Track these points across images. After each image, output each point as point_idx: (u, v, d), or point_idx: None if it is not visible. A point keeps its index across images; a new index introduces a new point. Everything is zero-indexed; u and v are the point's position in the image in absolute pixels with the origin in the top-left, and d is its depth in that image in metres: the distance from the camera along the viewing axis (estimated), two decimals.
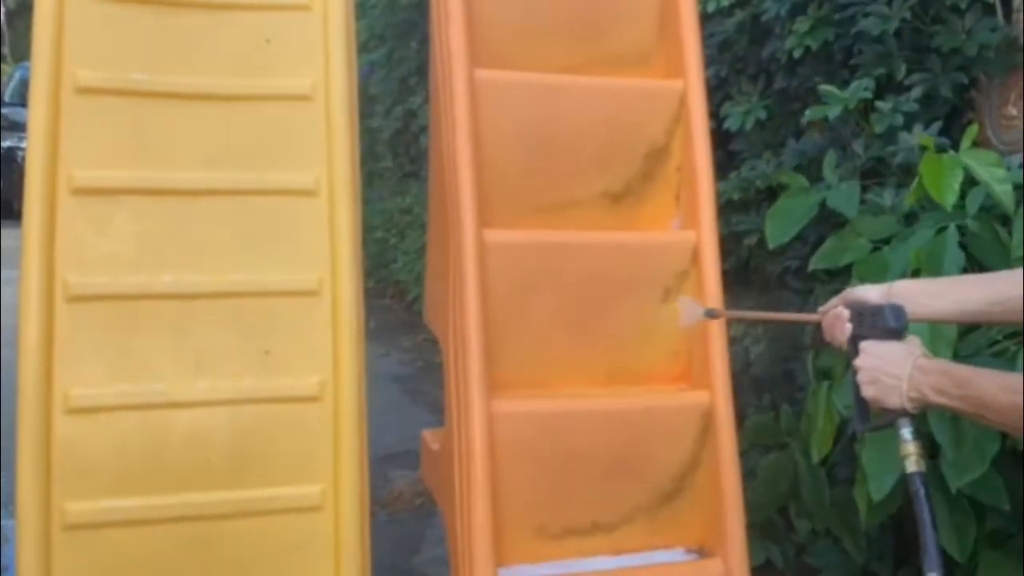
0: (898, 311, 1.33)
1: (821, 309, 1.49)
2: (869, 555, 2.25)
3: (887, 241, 1.97)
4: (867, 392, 1.33)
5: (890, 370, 1.29)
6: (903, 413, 1.30)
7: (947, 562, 1.82)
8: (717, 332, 1.86)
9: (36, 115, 1.65)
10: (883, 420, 1.35)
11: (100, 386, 1.61)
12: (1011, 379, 1.20)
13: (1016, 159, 2.03)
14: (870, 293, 1.41)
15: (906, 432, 1.31)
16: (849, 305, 1.42)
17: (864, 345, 1.35)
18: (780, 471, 2.29)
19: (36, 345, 1.59)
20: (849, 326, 1.40)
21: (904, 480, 1.77)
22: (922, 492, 1.28)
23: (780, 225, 2.11)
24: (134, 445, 1.62)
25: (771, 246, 2.14)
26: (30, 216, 1.62)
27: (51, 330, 1.61)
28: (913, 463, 1.30)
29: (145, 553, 1.61)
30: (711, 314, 1.78)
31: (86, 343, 1.62)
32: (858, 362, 1.35)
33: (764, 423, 2.47)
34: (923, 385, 1.26)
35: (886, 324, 1.33)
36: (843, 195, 2.10)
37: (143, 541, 1.61)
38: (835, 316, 1.43)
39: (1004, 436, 1.77)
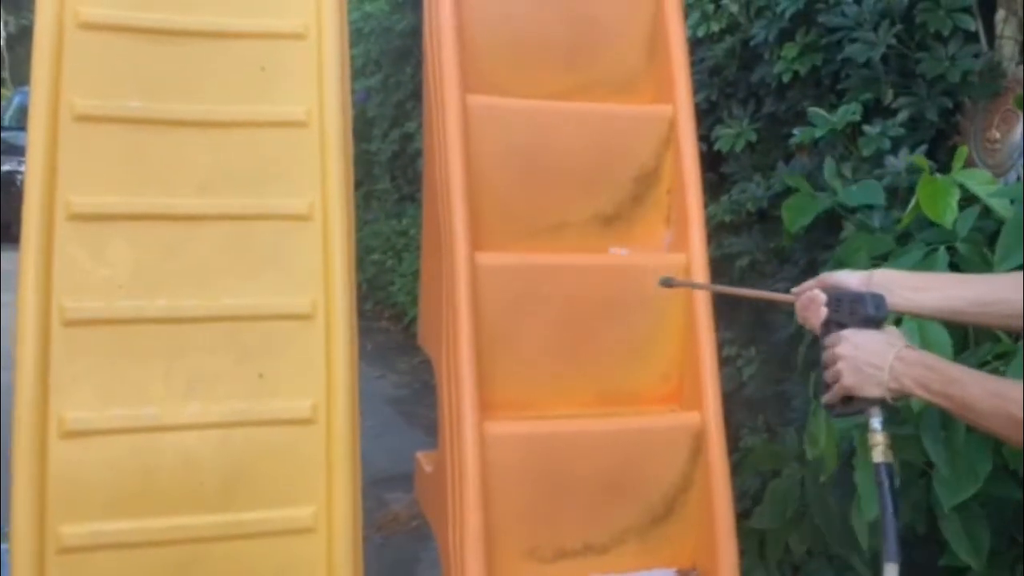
0: (879, 300, 1.31)
1: (795, 290, 1.45)
2: (872, 573, 2.24)
3: (885, 258, 1.99)
4: (847, 380, 1.30)
5: (872, 360, 1.27)
6: (879, 403, 1.28)
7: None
8: (708, 353, 1.88)
9: (34, 142, 1.68)
10: (855, 408, 1.32)
11: (94, 410, 1.63)
12: (998, 383, 1.19)
13: (1003, 181, 2.06)
14: (849, 279, 1.38)
15: (876, 422, 1.29)
16: (826, 289, 1.39)
17: (846, 333, 1.31)
18: (788, 494, 2.28)
19: (32, 369, 1.60)
20: (824, 310, 1.37)
21: (902, 496, 1.79)
22: (886, 484, 1.27)
23: (796, 213, 2.11)
24: (128, 468, 1.63)
25: (790, 230, 2.13)
26: (27, 241, 1.64)
27: (47, 354, 1.62)
28: (880, 453, 1.29)
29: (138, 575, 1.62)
30: (666, 282, 1.73)
31: (81, 367, 1.64)
32: (839, 350, 1.31)
33: (765, 447, 2.47)
34: (904, 377, 1.24)
35: (866, 312, 1.30)
36: (863, 191, 2.10)
37: (136, 564, 1.62)
38: (810, 299, 1.39)
39: (996, 453, 1.78)
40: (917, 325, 1.68)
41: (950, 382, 1.20)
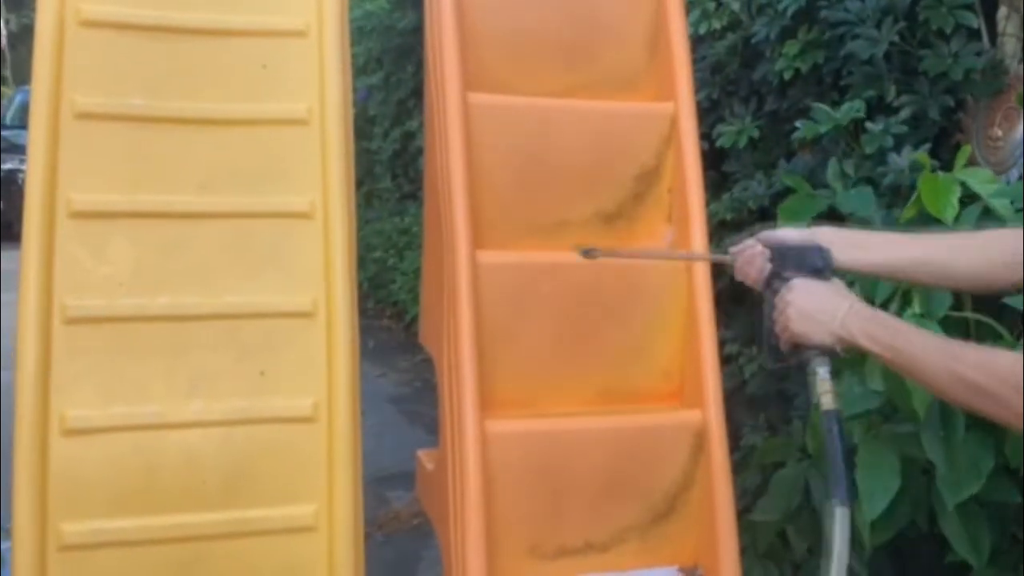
0: (826, 253, 1.33)
1: (733, 249, 1.47)
2: (871, 572, 2.25)
3: None
4: (796, 327, 1.31)
5: (824, 307, 1.28)
6: (825, 351, 1.29)
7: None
8: (709, 351, 1.88)
9: (35, 140, 1.68)
10: (801, 356, 1.33)
11: (96, 408, 1.63)
12: (947, 342, 1.21)
13: (1005, 178, 2.06)
14: (791, 235, 1.40)
15: (823, 371, 1.30)
16: (767, 244, 1.40)
17: (797, 281, 1.33)
18: (788, 489, 2.28)
19: (33, 367, 1.60)
20: (768, 265, 1.38)
21: (904, 497, 1.79)
22: (835, 429, 1.29)
23: (792, 217, 2.11)
24: (129, 466, 1.63)
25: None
26: (29, 239, 1.64)
27: (48, 352, 1.62)
28: (830, 401, 1.30)
29: (140, 574, 1.62)
30: (589, 254, 1.71)
31: (82, 365, 1.64)
32: (789, 297, 1.33)
33: (773, 442, 2.47)
34: (854, 327, 1.26)
35: (812, 264, 1.32)
36: (857, 198, 2.10)
37: (138, 562, 1.62)
38: (752, 254, 1.41)
39: (998, 452, 1.78)
40: (916, 323, 1.69)
41: (898, 337, 1.22)
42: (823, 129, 2.26)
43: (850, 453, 1.28)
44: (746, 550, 2.14)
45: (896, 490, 1.78)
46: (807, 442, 2.15)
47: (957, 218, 1.82)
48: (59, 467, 1.60)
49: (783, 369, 1.44)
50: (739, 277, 1.46)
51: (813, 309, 1.30)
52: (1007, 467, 1.80)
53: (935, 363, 1.18)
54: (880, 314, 1.29)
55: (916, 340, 1.21)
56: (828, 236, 1.38)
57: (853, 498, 1.28)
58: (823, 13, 2.39)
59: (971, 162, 2.11)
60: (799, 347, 1.32)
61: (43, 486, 1.58)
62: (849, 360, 1.89)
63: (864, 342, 1.25)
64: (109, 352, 1.65)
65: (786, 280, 1.34)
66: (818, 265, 1.33)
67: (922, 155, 2.04)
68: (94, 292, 1.67)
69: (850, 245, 1.37)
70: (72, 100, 1.71)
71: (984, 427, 1.78)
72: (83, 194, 1.69)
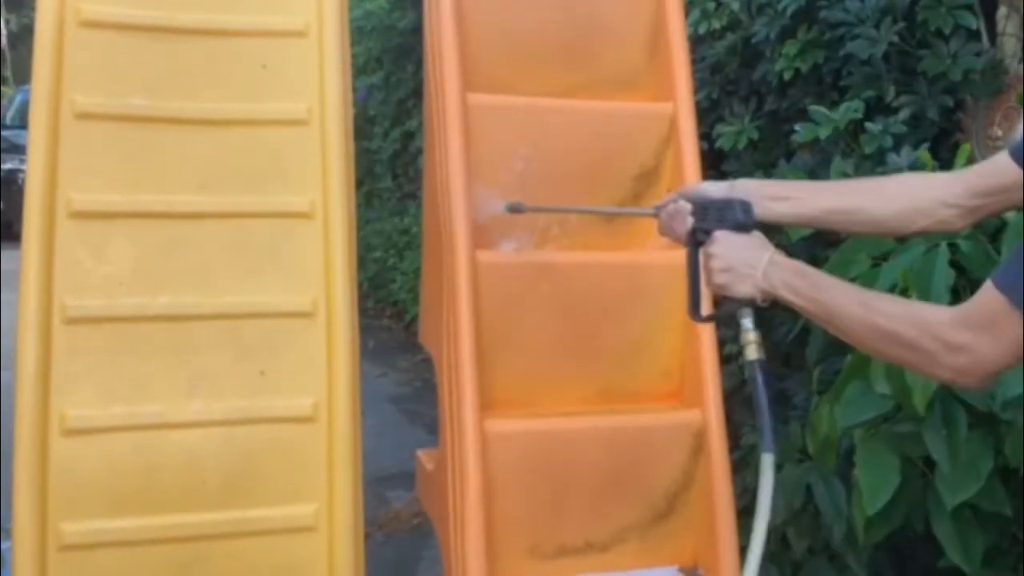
0: (747, 206, 1.35)
1: (657, 204, 1.50)
2: (870, 572, 2.25)
3: (885, 257, 1.99)
4: (718, 279, 1.33)
5: (745, 259, 1.30)
6: (749, 303, 1.31)
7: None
8: (709, 351, 1.88)
9: (35, 140, 1.68)
10: (726, 309, 1.35)
11: (96, 408, 1.63)
12: (865, 294, 1.22)
13: None
14: (712, 189, 1.43)
15: (747, 322, 1.32)
16: (690, 199, 1.43)
17: (718, 234, 1.35)
18: (794, 486, 2.28)
19: (33, 367, 1.60)
20: (691, 219, 1.40)
21: (902, 496, 1.79)
22: (760, 379, 1.31)
23: None
24: (129, 466, 1.63)
25: (792, 238, 2.12)
26: (29, 239, 1.64)
27: (48, 352, 1.63)
28: (753, 351, 1.32)
29: (139, 574, 1.62)
30: (514, 208, 1.73)
31: (82, 365, 1.64)
32: (712, 249, 1.35)
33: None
34: (775, 278, 1.27)
35: (735, 218, 1.34)
36: None
37: (138, 561, 1.62)
38: (676, 209, 1.44)
39: (998, 453, 1.78)
40: None
41: (818, 288, 1.24)
42: (822, 133, 2.27)
43: (773, 401, 1.31)
44: (745, 549, 2.14)
45: (895, 487, 1.79)
46: (806, 442, 2.15)
47: None
48: (59, 467, 1.60)
49: (706, 321, 1.45)
50: (663, 233, 1.49)
51: (735, 261, 1.32)
52: (1004, 469, 1.80)
53: (855, 314, 1.19)
54: (800, 265, 1.30)
55: (837, 291, 1.22)
56: (749, 189, 1.41)
57: (777, 448, 1.30)
58: (822, 13, 2.39)
59: (971, 161, 2.11)
60: (725, 299, 1.35)
61: (43, 486, 1.58)
62: (854, 364, 1.90)
63: (785, 293, 1.27)
64: (109, 352, 1.66)
65: (708, 234, 1.36)
66: (740, 218, 1.35)
67: (923, 153, 2.05)
68: (94, 292, 1.67)
69: (770, 197, 1.39)
70: (72, 100, 1.71)
71: (984, 427, 1.78)
72: (83, 194, 1.69)
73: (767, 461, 1.29)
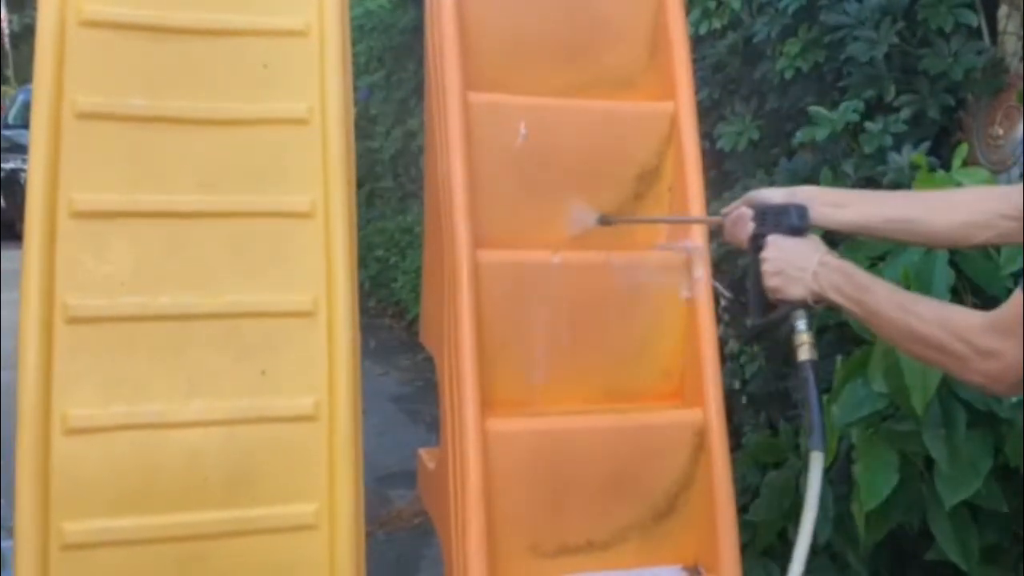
0: (802, 210, 1.38)
1: (724, 211, 1.54)
2: (871, 572, 2.25)
3: (882, 258, 1.99)
4: (771, 282, 1.37)
5: (796, 262, 1.34)
6: (802, 305, 1.34)
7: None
8: (710, 350, 1.88)
9: (37, 140, 1.68)
10: (780, 312, 1.38)
11: (97, 407, 1.63)
12: (905, 297, 1.24)
13: (1005, 177, 2.06)
14: (774, 195, 1.46)
15: (801, 324, 1.36)
16: (752, 205, 1.46)
17: (771, 238, 1.39)
18: (784, 488, 2.29)
19: (35, 367, 1.61)
20: (752, 225, 1.44)
21: (901, 494, 1.80)
22: (811, 378, 1.34)
23: None
24: (131, 465, 1.63)
25: None
26: (30, 239, 1.65)
27: (50, 352, 1.63)
28: (806, 351, 1.35)
29: (141, 572, 1.62)
30: (604, 221, 1.81)
31: (84, 364, 1.64)
32: (765, 254, 1.39)
33: (764, 441, 2.48)
34: (824, 280, 1.31)
35: (790, 222, 1.37)
36: None
37: (139, 561, 1.62)
38: (738, 216, 1.48)
39: (997, 452, 1.78)
40: None
41: (862, 289, 1.27)
42: (820, 135, 2.27)
43: (822, 401, 1.36)
44: (746, 548, 2.14)
45: (894, 485, 1.79)
46: (800, 443, 2.15)
47: None
48: (61, 466, 1.60)
49: (764, 326, 1.51)
50: (727, 239, 1.53)
51: (786, 265, 1.35)
52: (1004, 468, 1.80)
53: (893, 317, 1.22)
54: (848, 267, 1.32)
55: (878, 293, 1.25)
56: (808, 195, 1.44)
57: (826, 445, 1.34)
58: (823, 15, 2.39)
59: (971, 161, 2.11)
60: (780, 302, 1.38)
61: (45, 485, 1.58)
62: (853, 363, 1.90)
63: (833, 295, 1.30)
64: (110, 351, 1.66)
65: (768, 236, 1.40)
66: (794, 223, 1.38)
67: (918, 155, 2.04)
68: (95, 291, 1.67)
69: (829, 203, 1.41)
70: (73, 100, 1.71)
71: (984, 426, 1.78)
72: (84, 194, 1.69)
73: (816, 459, 1.31)
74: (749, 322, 1.52)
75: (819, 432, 1.32)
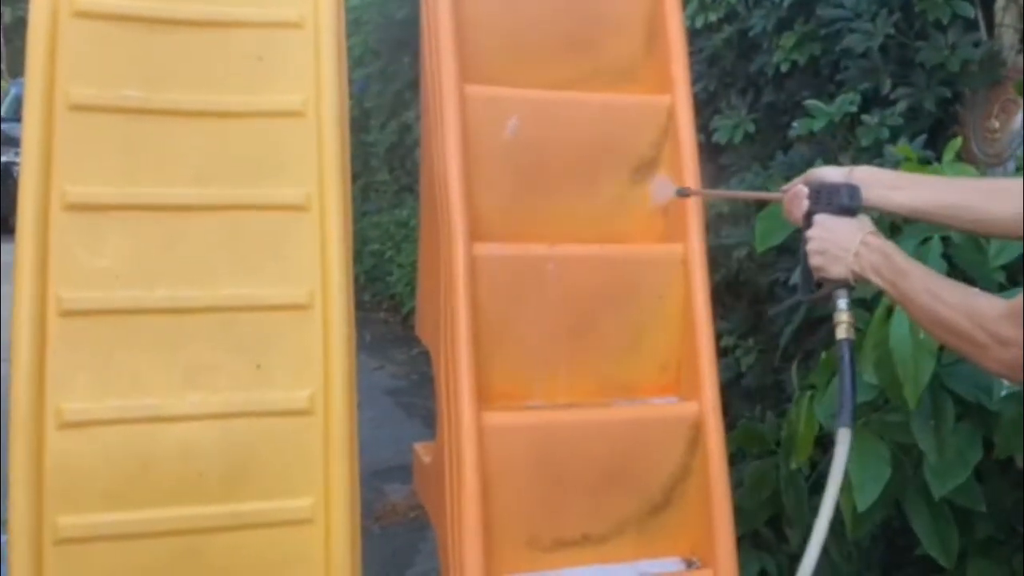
0: (853, 190, 1.39)
1: (783, 188, 1.55)
2: (860, 565, 2.26)
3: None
4: (814, 261, 1.38)
5: (839, 242, 1.35)
6: (844, 284, 1.36)
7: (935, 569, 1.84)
8: (706, 344, 1.88)
9: (30, 132, 1.67)
10: (824, 290, 1.40)
11: (92, 401, 1.62)
12: (938, 284, 1.24)
13: (1001, 170, 2.06)
14: (831, 173, 1.46)
15: (842, 303, 1.37)
16: (809, 183, 1.47)
17: (819, 218, 1.40)
18: (763, 478, 2.30)
19: (29, 360, 1.60)
20: (806, 203, 1.44)
21: (889, 489, 1.80)
22: (847, 358, 1.35)
23: (768, 230, 2.11)
24: (125, 459, 1.62)
25: (759, 250, 2.14)
26: (23, 232, 1.63)
27: (43, 345, 1.62)
28: (844, 331, 1.37)
29: (136, 567, 1.62)
30: (682, 192, 1.87)
31: (78, 358, 1.63)
32: (810, 232, 1.40)
33: (751, 430, 2.48)
34: (865, 261, 1.32)
35: (840, 202, 1.38)
36: None
37: (134, 555, 1.62)
38: (795, 193, 1.48)
39: (987, 445, 1.79)
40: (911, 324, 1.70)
41: (898, 273, 1.27)
42: (816, 127, 2.26)
43: (855, 379, 1.35)
44: (742, 540, 2.15)
45: (887, 479, 1.79)
46: (782, 436, 2.15)
47: None
48: (55, 460, 1.59)
49: (808, 301, 1.56)
50: (786, 216, 1.53)
51: (830, 244, 1.36)
52: (997, 463, 1.81)
53: (922, 302, 1.23)
54: (889, 248, 1.32)
55: (913, 277, 1.26)
56: (864, 175, 1.43)
57: (854, 421, 1.34)
58: (819, 11, 2.39)
59: (968, 154, 2.11)
60: (824, 281, 1.40)
61: (39, 480, 1.58)
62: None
63: (872, 276, 1.31)
64: (105, 345, 1.65)
65: (815, 215, 1.41)
66: (845, 203, 1.38)
67: (902, 147, 2.04)
68: (89, 285, 1.66)
69: (884, 186, 1.40)
70: (66, 92, 1.70)
71: (973, 418, 1.79)
72: (78, 186, 1.68)
73: (843, 436, 1.32)
74: (799, 296, 1.55)
75: (848, 409, 1.33)
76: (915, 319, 1.29)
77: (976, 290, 1.25)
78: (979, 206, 1.33)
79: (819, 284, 1.41)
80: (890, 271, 1.28)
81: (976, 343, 1.14)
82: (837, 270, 1.35)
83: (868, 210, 1.40)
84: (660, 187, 1.92)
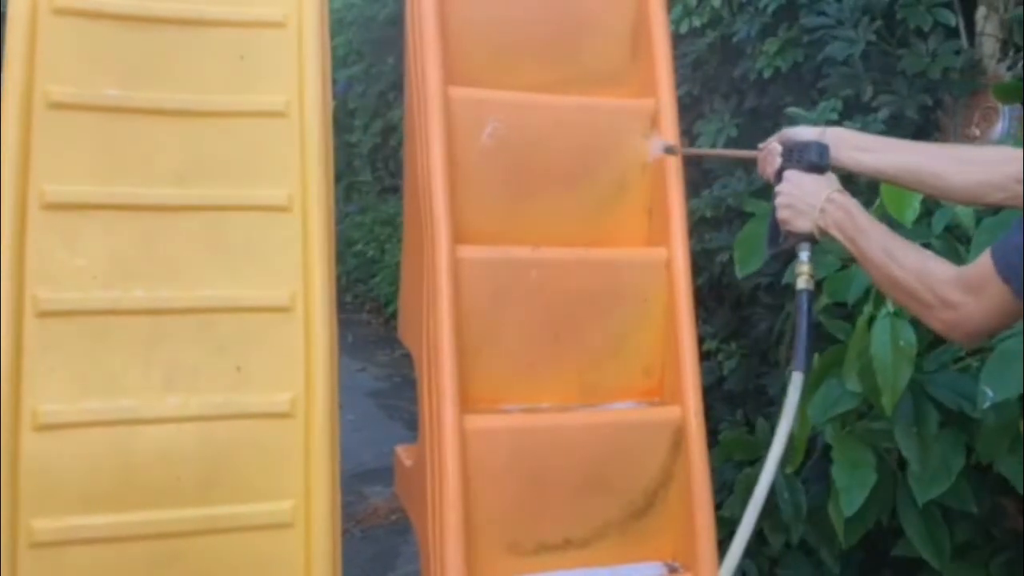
0: (823, 149, 1.43)
1: (760, 145, 1.60)
2: (843, 566, 2.27)
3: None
4: (781, 215, 1.43)
5: (806, 197, 1.40)
6: (809, 238, 1.41)
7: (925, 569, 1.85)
8: (689, 348, 1.88)
9: (8, 130, 1.64)
10: (788, 243, 1.45)
11: (69, 402, 1.60)
12: (894, 243, 1.29)
13: None
14: (804, 132, 1.51)
15: (804, 255, 1.43)
16: (782, 141, 1.52)
17: (788, 173, 1.44)
18: (756, 484, 2.30)
19: (5, 361, 1.57)
20: (779, 159, 1.49)
21: (877, 493, 1.81)
22: (804, 306, 1.42)
23: (748, 252, 2.12)
24: (103, 462, 1.60)
25: (740, 275, 2.15)
26: (1, 231, 1.61)
27: (20, 346, 1.59)
28: (803, 281, 1.43)
29: (113, 571, 1.60)
30: (669, 150, 1.90)
31: (56, 359, 1.61)
32: (780, 187, 1.45)
33: (739, 438, 2.49)
34: (829, 217, 1.36)
35: (810, 159, 1.42)
36: None
37: (111, 559, 1.60)
38: (769, 150, 1.54)
39: (969, 451, 1.80)
40: (890, 322, 1.71)
41: (858, 231, 1.32)
42: None
43: (812, 328, 1.43)
44: (723, 544, 2.15)
45: (872, 486, 1.80)
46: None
47: (917, 221, 1.84)
48: (31, 463, 1.57)
49: (773, 253, 1.61)
50: (760, 173, 1.59)
51: (797, 200, 1.41)
52: (975, 468, 1.82)
53: (878, 260, 1.28)
54: (852, 206, 1.37)
55: (872, 236, 1.30)
56: (836, 135, 1.48)
57: (809, 368, 1.42)
58: (802, 18, 2.40)
59: None
60: (789, 235, 1.44)
61: (14, 482, 1.55)
62: (828, 362, 1.91)
63: (834, 232, 1.36)
64: (83, 346, 1.63)
65: (785, 171, 1.46)
66: (814, 160, 1.42)
67: None
68: (68, 285, 1.64)
69: (854, 147, 1.45)
70: (45, 90, 1.68)
71: (955, 424, 1.80)
72: (56, 185, 1.66)
73: (796, 380, 1.38)
74: (767, 250, 1.59)
75: (803, 355, 1.39)
76: (872, 277, 1.34)
77: (930, 253, 1.30)
78: (944, 173, 1.37)
79: (785, 237, 1.46)
80: (851, 228, 1.32)
81: (924, 303, 1.21)
82: (802, 224, 1.40)
83: (837, 169, 1.44)
84: (652, 147, 1.96)
